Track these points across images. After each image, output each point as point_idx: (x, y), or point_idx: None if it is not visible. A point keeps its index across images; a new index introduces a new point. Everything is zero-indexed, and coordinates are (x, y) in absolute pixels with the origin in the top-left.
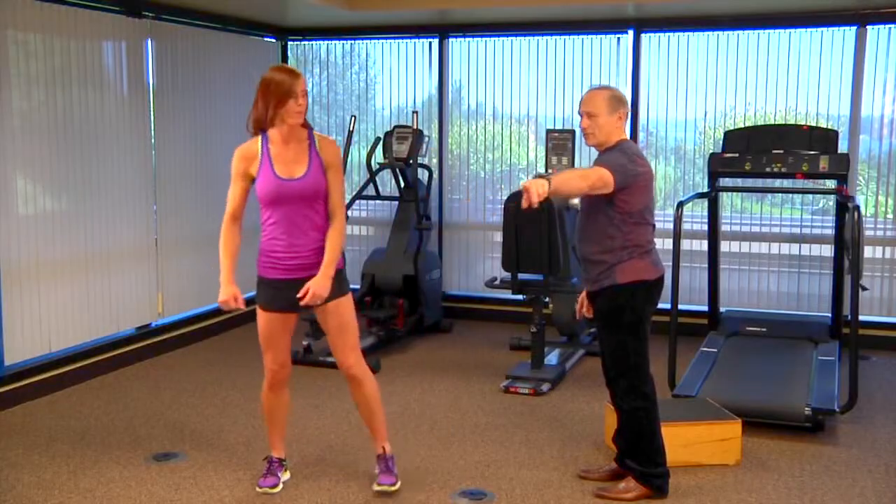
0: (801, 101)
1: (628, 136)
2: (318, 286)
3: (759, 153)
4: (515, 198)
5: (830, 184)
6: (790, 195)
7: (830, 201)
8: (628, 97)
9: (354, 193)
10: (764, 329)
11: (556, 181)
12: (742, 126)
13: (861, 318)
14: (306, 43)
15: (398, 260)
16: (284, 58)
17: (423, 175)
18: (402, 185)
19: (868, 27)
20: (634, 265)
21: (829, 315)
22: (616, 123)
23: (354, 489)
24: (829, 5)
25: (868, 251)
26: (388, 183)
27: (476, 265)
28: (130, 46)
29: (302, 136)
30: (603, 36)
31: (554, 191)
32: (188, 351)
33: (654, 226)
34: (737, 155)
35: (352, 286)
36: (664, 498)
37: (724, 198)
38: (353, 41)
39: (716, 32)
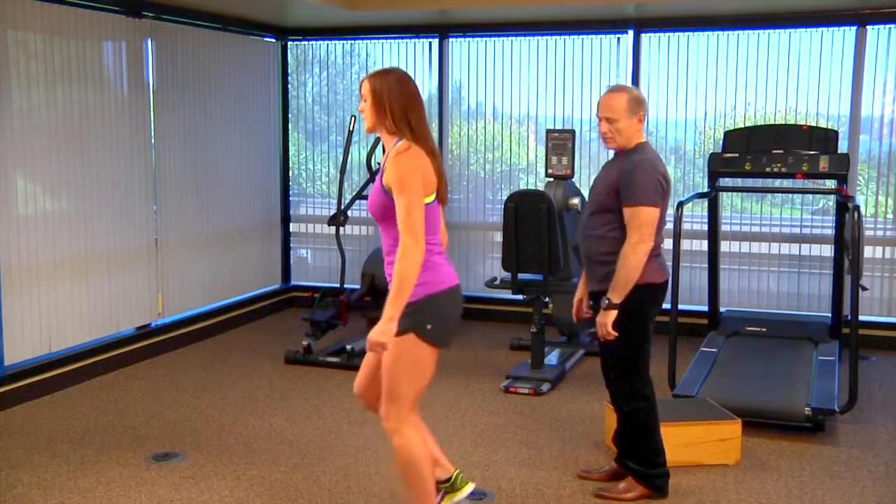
0: (801, 101)
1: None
2: (371, 333)
3: (759, 153)
4: (515, 197)
5: (830, 184)
6: (790, 195)
7: (830, 201)
8: None
9: (354, 193)
10: (764, 329)
11: (620, 293)
12: (742, 126)
13: (861, 318)
14: (306, 43)
15: None
16: (284, 58)
17: None
18: None
19: (868, 27)
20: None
21: (829, 315)
22: (636, 126)
23: (355, 489)
24: (829, 5)
25: (868, 251)
26: None
27: (476, 265)
28: (130, 46)
29: (390, 146)
30: (603, 36)
31: (623, 296)
32: (188, 351)
33: (664, 226)
34: (737, 155)
35: (352, 286)
36: (664, 498)
37: (724, 198)
38: (353, 41)
39: (716, 32)
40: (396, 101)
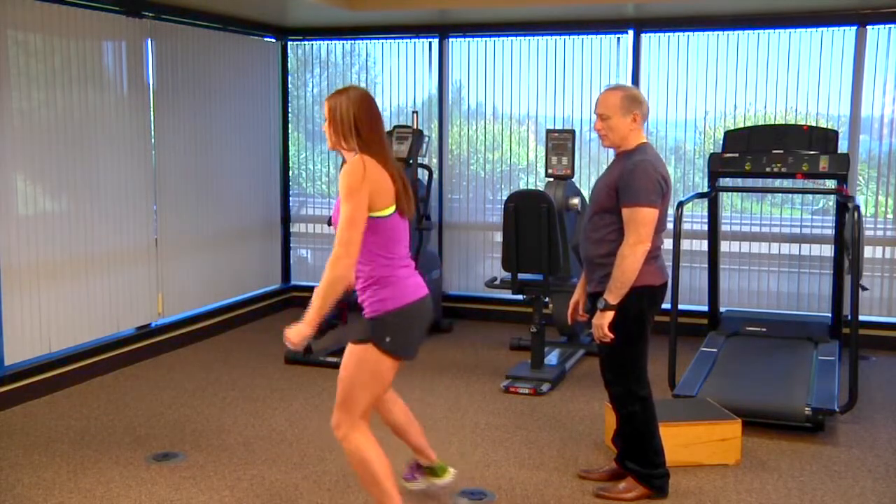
0: (801, 101)
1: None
2: (288, 331)
3: (759, 153)
4: (515, 197)
5: (830, 184)
6: (790, 195)
7: (830, 201)
8: None
9: None
10: (764, 329)
11: (616, 293)
12: (742, 126)
13: (861, 318)
14: (306, 43)
15: None
16: (284, 58)
17: (423, 175)
18: None
19: (868, 27)
20: (641, 269)
21: (829, 315)
22: (630, 125)
23: (354, 489)
24: (829, 5)
25: (868, 251)
26: None
27: (476, 265)
28: (130, 46)
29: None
30: (603, 36)
31: (619, 297)
32: (188, 351)
33: (664, 228)
34: (737, 155)
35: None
36: (664, 498)
37: (724, 198)
38: (353, 41)
39: (716, 32)
40: (348, 117)
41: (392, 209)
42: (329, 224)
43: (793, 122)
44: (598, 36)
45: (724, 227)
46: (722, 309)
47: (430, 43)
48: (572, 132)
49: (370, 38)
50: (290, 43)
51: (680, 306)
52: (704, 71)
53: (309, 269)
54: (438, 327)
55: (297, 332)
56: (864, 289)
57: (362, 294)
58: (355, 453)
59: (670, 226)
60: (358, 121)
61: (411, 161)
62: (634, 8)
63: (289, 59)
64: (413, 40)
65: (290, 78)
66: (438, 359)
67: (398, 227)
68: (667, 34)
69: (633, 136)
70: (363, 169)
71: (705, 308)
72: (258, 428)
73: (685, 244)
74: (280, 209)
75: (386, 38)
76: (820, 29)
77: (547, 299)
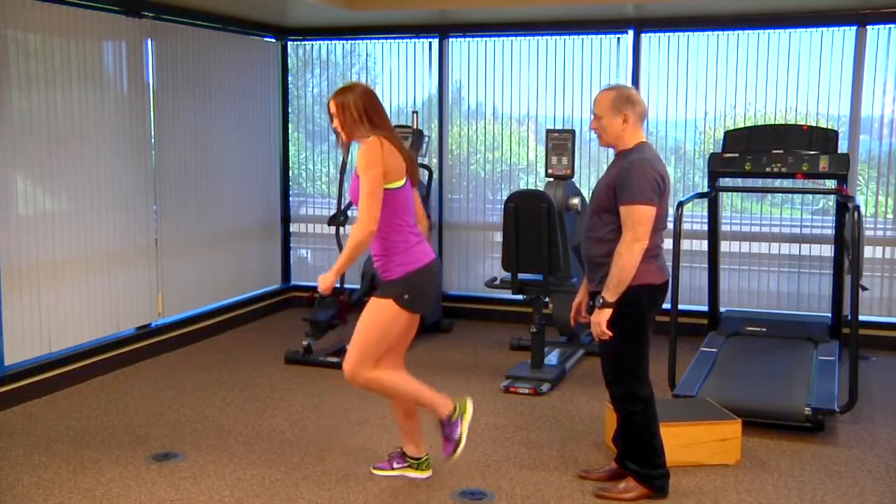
0: (801, 101)
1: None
2: (320, 277)
3: (759, 153)
4: (515, 197)
5: (830, 184)
6: (790, 195)
7: (830, 201)
8: None
9: None
10: (764, 329)
11: (613, 291)
12: (742, 126)
13: (861, 318)
14: (306, 43)
15: None
16: (284, 58)
17: (423, 175)
18: None
19: (868, 27)
20: (640, 268)
21: (829, 315)
22: (622, 126)
23: (354, 489)
24: (829, 5)
25: (868, 251)
26: None
27: (476, 265)
28: (130, 46)
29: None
30: (603, 36)
31: (616, 295)
32: (188, 351)
33: (664, 227)
34: (737, 155)
35: (352, 286)
36: (664, 498)
37: (724, 198)
38: (353, 41)
39: (716, 32)
40: (358, 108)
41: (403, 181)
42: (328, 223)
43: (793, 122)
44: (598, 36)
45: (724, 227)
46: (722, 309)
47: (430, 43)
48: (572, 132)
49: (370, 38)
50: (290, 43)
51: (680, 306)
52: (704, 71)
53: (309, 269)
54: (438, 327)
55: (324, 280)
56: (864, 289)
57: (379, 261)
58: (384, 384)
59: (670, 226)
60: (368, 110)
61: None
62: (634, 8)
63: (289, 59)
64: (413, 40)
65: (290, 78)
66: (438, 359)
67: (409, 196)
68: (667, 34)
69: (629, 136)
70: (381, 147)
71: (705, 308)
72: (258, 428)
73: (685, 244)
74: (280, 209)
75: (386, 38)
76: (820, 29)
77: (547, 299)
